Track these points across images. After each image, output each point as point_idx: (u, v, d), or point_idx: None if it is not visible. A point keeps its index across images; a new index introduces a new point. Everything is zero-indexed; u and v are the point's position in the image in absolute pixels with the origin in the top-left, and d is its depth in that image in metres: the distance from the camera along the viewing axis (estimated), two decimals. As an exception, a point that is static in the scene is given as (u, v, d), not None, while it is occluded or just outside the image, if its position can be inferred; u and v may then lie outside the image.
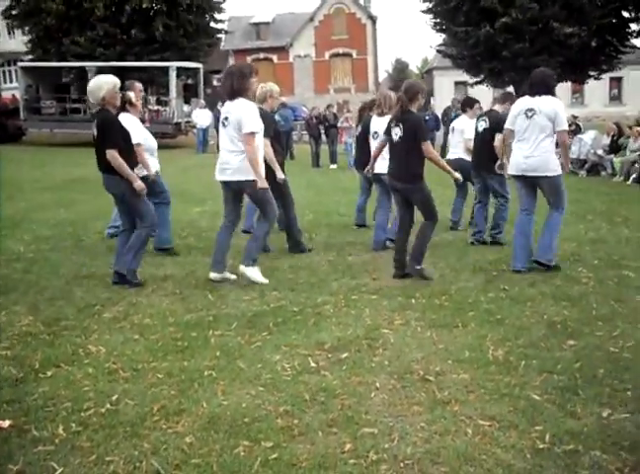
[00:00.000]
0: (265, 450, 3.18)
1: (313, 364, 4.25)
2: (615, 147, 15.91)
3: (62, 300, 5.65)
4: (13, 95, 29.40)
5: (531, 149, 6.44)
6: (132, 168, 5.99)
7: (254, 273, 6.22)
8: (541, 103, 6.39)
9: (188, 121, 26.00)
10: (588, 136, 17.03)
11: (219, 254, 6.32)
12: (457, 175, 6.58)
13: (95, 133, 5.92)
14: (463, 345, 4.58)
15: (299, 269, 6.74)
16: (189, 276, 6.47)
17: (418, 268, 6.34)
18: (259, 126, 5.95)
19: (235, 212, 6.45)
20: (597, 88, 40.58)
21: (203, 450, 3.19)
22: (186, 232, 8.68)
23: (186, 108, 27.24)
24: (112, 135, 5.82)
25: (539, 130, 6.39)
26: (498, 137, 7.57)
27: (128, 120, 6.71)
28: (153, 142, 7.32)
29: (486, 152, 7.84)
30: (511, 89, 21.99)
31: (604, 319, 5.09)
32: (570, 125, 18.62)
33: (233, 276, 6.30)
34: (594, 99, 44.19)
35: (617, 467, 3.02)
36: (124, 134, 5.96)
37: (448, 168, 6.46)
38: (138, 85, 7.90)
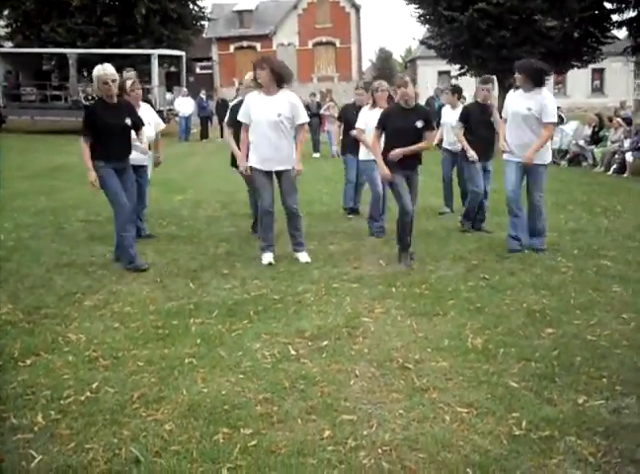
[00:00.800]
0: (244, 437, 3.20)
1: (293, 352, 4.26)
2: (596, 138, 16.01)
3: (43, 288, 5.62)
4: (-8, 81, 29.01)
5: (521, 137, 6.80)
6: (117, 157, 6.15)
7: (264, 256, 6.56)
8: (533, 95, 6.67)
9: (170, 110, 25.81)
10: (569, 127, 17.13)
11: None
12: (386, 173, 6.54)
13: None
14: (443, 333, 4.62)
15: (281, 257, 6.73)
16: (170, 264, 6.46)
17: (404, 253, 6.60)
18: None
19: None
20: (579, 79, 40.83)
21: (183, 437, 3.20)
22: (167, 221, 8.65)
23: (168, 96, 27.06)
24: (85, 124, 6.07)
25: (533, 119, 6.69)
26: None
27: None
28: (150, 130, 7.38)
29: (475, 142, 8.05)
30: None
31: (583, 308, 5.16)
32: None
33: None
34: (576, 90, 44.35)
35: (591, 452, 3.07)
36: (96, 123, 6.05)
37: (380, 161, 6.48)
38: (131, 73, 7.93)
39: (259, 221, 6.73)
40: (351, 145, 8.41)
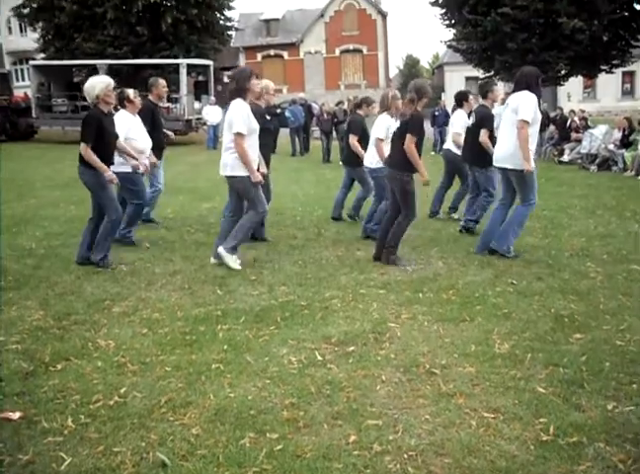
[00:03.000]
0: (270, 442, 3.22)
1: (320, 358, 4.28)
2: (627, 142, 15.80)
3: (72, 295, 5.70)
4: (25, 93, 29.54)
5: (501, 142, 6.85)
6: (107, 162, 6.40)
7: (230, 259, 6.53)
8: (512, 98, 6.72)
9: (198, 118, 26.06)
10: (599, 131, 16.93)
11: (220, 241, 6.69)
12: (426, 178, 6.63)
13: None
14: (469, 338, 4.60)
15: (308, 264, 6.76)
16: (197, 271, 6.51)
17: (392, 257, 6.68)
18: (247, 128, 6.28)
19: (236, 205, 6.76)
20: (609, 83, 40.28)
21: (210, 442, 3.23)
22: (194, 228, 8.72)
23: (196, 104, 27.30)
24: (88, 132, 6.25)
25: (510, 124, 6.68)
26: (482, 132, 7.90)
27: (123, 118, 7.30)
28: (144, 143, 7.59)
29: (474, 147, 8.10)
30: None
31: (612, 313, 5.10)
32: (581, 120, 18.57)
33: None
34: (606, 94, 43.83)
35: (620, 459, 3.04)
36: (102, 131, 6.30)
37: (421, 169, 6.55)
38: (162, 81, 8.24)
39: (251, 223, 6.70)
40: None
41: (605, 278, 6.09)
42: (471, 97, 9.04)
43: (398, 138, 6.60)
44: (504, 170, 6.87)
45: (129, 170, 7.18)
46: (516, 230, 6.89)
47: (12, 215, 9.58)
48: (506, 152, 6.73)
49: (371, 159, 7.87)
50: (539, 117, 6.74)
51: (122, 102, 7.42)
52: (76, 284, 6.03)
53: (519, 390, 3.76)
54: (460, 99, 9.07)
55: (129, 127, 7.32)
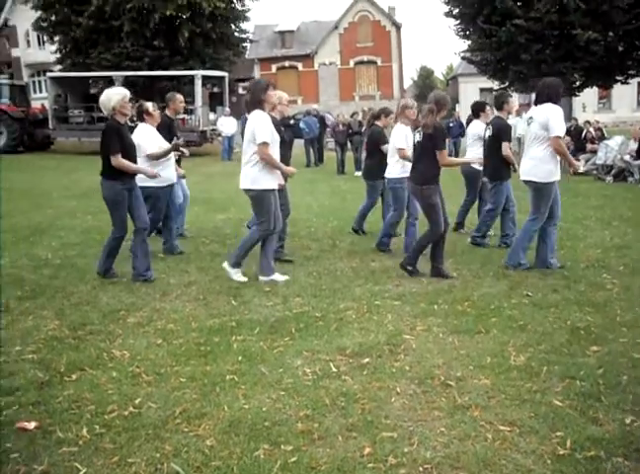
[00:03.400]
0: (285, 454, 3.21)
1: (334, 369, 4.26)
2: (643, 153, 15.71)
3: (88, 305, 5.73)
4: (42, 104, 29.83)
5: (528, 155, 6.80)
6: (131, 176, 6.44)
7: (232, 273, 6.58)
8: (537, 111, 6.66)
9: (213, 129, 26.16)
10: (614, 142, 16.84)
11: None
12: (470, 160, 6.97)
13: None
14: (485, 350, 4.57)
15: (323, 275, 6.76)
16: (212, 282, 6.53)
17: (409, 268, 6.71)
18: (271, 137, 6.28)
19: None
20: (624, 93, 40.11)
21: (224, 453, 3.22)
22: (209, 239, 8.75)
23: (211, 116, 27.42)
24: (112, 142, 6.23)
25: (534, 137, 6.67)
26: (504, 145, 7.89)
27: (143, 130, 7.36)
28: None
29: (490, 160, 8.07)
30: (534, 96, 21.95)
31: (629, 325, 5.05)
32: (597, 130, 18.50)
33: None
34: (621, 104, 43.65)
35: None
36: (125, 142, 6.33)
37: (464, 160, 6.92)
38: (179, 96, 8.33)
39: (254, 241, 6.66)
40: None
41: (622, 290, 6.04)
42: (488, 108, 8.98)
43: (421, 152, 6.59)
44: (530, 183, 6.79)
45: (156, 184, 7.11)
46: (524, 245, 6.88)
47: (29, 226, 9.65)
48: (528, 164, 6.73)
49: (391, 169, 7.81)
50: (565, 128, 6.78)
51: (142, 115, 7.45)
52: (92, 295, 6.06)
53: (535, 403, 3.73)
54: (477, 109, 9.00)
55: (151, 140, 7.33)
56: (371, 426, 3.49)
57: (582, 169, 6.44)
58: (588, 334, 4.87)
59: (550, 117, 6.47)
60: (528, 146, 6.80)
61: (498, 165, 7.91)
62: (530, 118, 6.76)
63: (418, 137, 6.68)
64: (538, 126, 6.58)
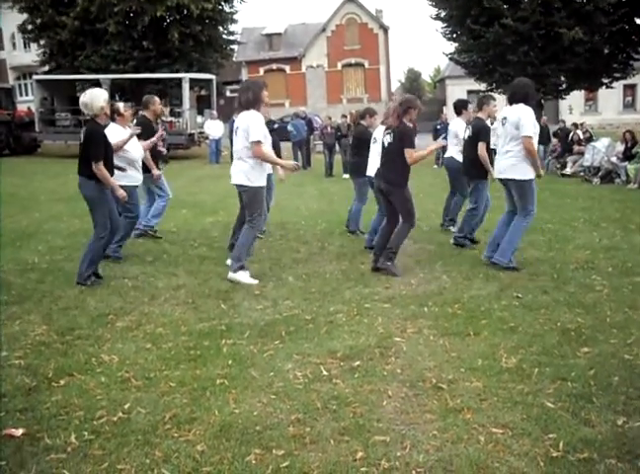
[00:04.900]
0: (276, 458, 3.18)
1: (325, 373, 4.24)
2: (629, 155, 15.79)
3: (76, 310, 5.67)
4: (28, 108, 29.65)
5: (502, 154, 6.92)
6: (110, 174, 6.42)
7: (241, 277, 6.57)
8: (510, 111, 6.81)
9: (201, 132, 26.09)
10: (601, 144, 16.94)
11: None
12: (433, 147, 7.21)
13: (82, 140, 6.34)
14: (476, 353, 4.55)
15: (312, 278, 6.74)
16: (201, 285, 6.48)
17: (388, 264, 6.79)
18: (264, 136, 6.44)
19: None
20: (610, 95, 40.27)
21: (215, 458, 3.19)
22: (198, 242, 8.70)
23: (199, 119, 27.36)
24: (98, 149, 6.23)
25: (510, 137, 6.80)
26: (480, 146, 7.95)
27: (114, 130, 7.36)
28: (136, 154, 7.68)
29: (468, 159, 8.21)
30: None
31: (619, 326, 5.06)
32: (584, 133, 18.61)
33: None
34: (607, 106, 43.88)
35: (632, 475, 2.99)
36: (108, 148, 6.38)
37: (428, 149, 6.99)
38: (157, 99, 8.41)
39: (251, 239, 6.80)
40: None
41: (611, 291, 6.05)
42: (470, 106, 9.05)
43: (390, 152, 6.78)
44: (505, 182, 6.96)
45: (126, 183, 7.17)
46: (515, 243, 6.95)
47: (15, 229, 9.57)
48: (507, 164, 6.83)
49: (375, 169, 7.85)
50: (538, 128, 6.84)
51: (113, 115, 7.45)
52: (79, 299, 6.00)
53: (527, 405, 3.72)
54: (460, 106, 9.06)
55: (121, 140, 7.35)
56: (363, 429, 3.46)
57: (542, 174, 6.70)
58: (578, 335, 4.87)
59: (522, 116, 6.64)
60: (504, 146, 6.90)
61: (477, 164, 7.95)
62: (504, 118, 6.89)
63: (389, 138, 6.83)
64: (512, 126, 6.73)
